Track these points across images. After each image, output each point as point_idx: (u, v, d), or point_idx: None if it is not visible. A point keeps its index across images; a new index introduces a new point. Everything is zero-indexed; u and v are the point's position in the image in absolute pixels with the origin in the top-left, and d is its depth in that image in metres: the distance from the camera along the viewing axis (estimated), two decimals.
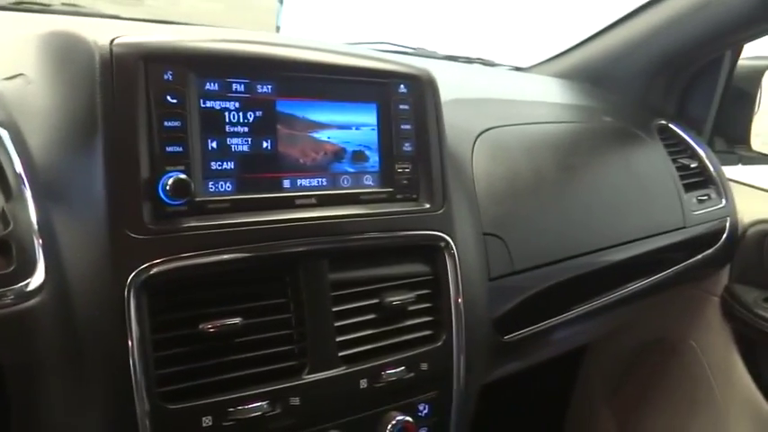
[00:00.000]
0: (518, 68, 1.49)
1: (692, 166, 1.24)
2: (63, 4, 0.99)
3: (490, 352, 0.83)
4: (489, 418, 1.54)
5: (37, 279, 0.52)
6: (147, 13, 1.19)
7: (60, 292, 0.54)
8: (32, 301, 0.51)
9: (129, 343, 0.54)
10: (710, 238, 1.21)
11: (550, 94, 1.28)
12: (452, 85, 0.93)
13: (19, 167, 0.55)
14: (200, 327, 0.57)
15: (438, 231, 0.74)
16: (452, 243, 0.74)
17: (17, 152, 0.55)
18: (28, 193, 0.54)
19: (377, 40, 1.31)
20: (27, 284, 0.51)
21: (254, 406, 0.60)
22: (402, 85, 0.72)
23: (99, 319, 0.55)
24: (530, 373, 1.21)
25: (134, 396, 0.55)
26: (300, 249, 0.64)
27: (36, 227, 0.53)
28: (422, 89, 0.74)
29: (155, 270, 0.56)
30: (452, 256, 0.74)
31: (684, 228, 1.14)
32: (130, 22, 0.92)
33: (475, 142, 0.90)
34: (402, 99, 0.72)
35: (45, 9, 0.94)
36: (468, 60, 1.44)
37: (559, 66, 1.43)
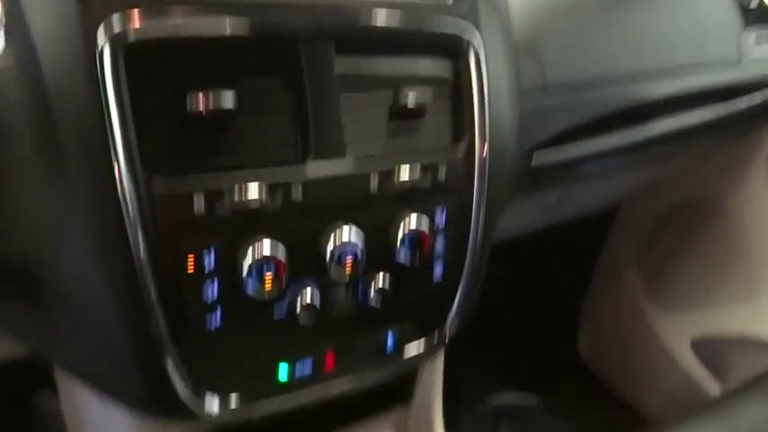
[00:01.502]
0: None
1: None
2: None
3: (515, 171, 0.75)
4: (517, 274, 1.52)
5: None
6: None
7: (25, 56, 0.47)
8: None
9: (106, 112, 0.48)
10: (765, 82, 1.09)
11: None
12: None
13: None
14: (188, 96, 0.50)
15: (461, 30, 0.65)
16: (477, 44, 0.65)
17: None
18: None
19: None
20: None
21: (253, 197, 0.54)
22: None
23: (71, 86, 0.48)
24: (558, 232, 1.16)
25: (116, 176, 0.49)
26: (303, 25, 0.55)
27: None
28: None
29: (133, 27, 0.48)
30: (477, 57, 0.65)
31: (739, 64, 1.02)
32: None
33: None
34: None
35: None
36: None
37: None
